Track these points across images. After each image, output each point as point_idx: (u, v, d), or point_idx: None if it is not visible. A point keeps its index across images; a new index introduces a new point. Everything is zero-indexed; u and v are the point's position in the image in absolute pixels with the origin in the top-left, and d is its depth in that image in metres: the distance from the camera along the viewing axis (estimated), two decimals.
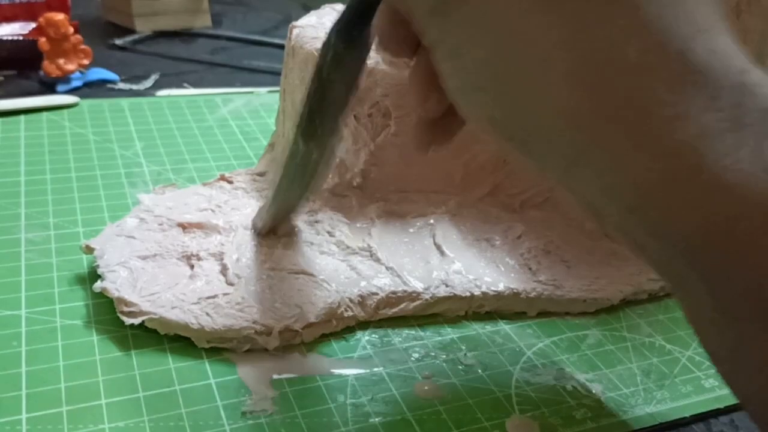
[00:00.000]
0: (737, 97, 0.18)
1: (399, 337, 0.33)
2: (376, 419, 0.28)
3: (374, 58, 0.37)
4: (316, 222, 0.38)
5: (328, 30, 0.27)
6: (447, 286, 0.35)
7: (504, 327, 0.35)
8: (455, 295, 0.34)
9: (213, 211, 0.38)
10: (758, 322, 0.18)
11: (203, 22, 0.82)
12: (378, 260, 0.36)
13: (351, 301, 0.33)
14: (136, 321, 0.31)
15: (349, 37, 0.27)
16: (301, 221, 0.38)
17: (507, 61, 0.20)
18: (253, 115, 0.57)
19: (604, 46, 0.19)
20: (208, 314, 0.31)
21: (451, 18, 0.21)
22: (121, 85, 0.62)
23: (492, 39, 0.20)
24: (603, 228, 0.23)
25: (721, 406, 0.31)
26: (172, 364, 0.30)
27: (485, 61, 0.21)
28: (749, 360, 0.19)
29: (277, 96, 0.47)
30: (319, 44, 0.39)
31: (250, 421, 0.28)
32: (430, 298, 0.34)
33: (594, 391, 0.31)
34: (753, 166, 0.17)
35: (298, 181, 0.33)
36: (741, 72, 0.18)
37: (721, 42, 0.19)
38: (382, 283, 0.34)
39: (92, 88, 0.61)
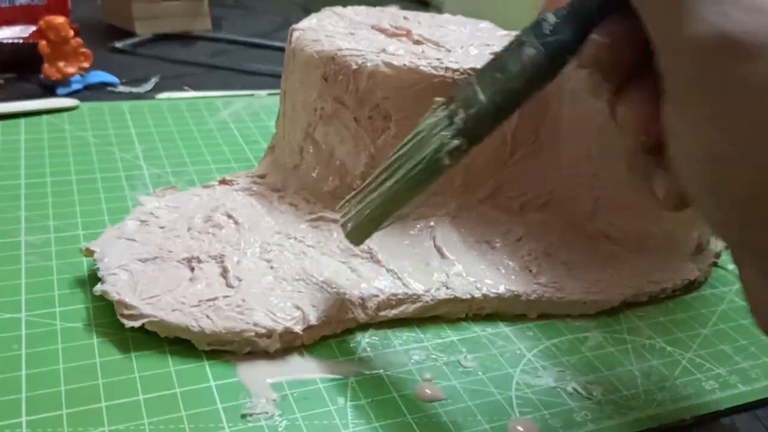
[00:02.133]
0: None
1: (399, 339, 0.33)
2: (377, 422, 0.28)
3: (374, 60, 0.37)
4: (317, 224, 0.38)
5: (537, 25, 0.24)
6: (447, 288, 0.35)
7: (504, 329, 0.35)
8: (455, 297, 0.34)
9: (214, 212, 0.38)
10: None
11: (203, 25, 0.82)
12: (378, 262, 0.36)
13: (351, 303, 0.33)
14: (137, 324, 0.31)
15: (555, 64, 0.23)
16: (301, 224, 0.38)
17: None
18: (253, 117, 0.57)
19: None
20: (208, 317, 0.31)
21: (722, 78, 0.18)
22: (122, 88, 0.62)
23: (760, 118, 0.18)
24: None
25: (722, 408, 0.31)
26: (172, 366, 0.30)
27: (738, 119, 0.18)
28: None
29: (277, 99, 0.47)
30: (318, 47, 0.39)
31: (251, 424, 0.28)
32: (431, 300, 0.34)
33: (594, 393, 0.31)
34: None
35: (414, 190, 0.29)
36: None
37: None
38: (383, 285, 0.34)
39: (92, 91, 0.61)
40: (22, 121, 0.53)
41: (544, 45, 0.24)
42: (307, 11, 0.51)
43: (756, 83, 0.17)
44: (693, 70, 0.19)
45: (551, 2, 0.24)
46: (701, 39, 0.18)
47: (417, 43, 0.41)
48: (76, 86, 0.60)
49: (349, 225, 0.31)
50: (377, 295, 0.34)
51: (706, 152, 0.19)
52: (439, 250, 0.37)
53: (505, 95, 0.25)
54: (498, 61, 0.25)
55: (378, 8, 0.48)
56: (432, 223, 0.39)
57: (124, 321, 0.31)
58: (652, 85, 0.21)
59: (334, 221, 0.38)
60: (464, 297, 0.34)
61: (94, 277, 0.34)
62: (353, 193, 0.32)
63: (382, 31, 0.43)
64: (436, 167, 0.27)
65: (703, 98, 0.19)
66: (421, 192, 0.29)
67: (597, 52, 0.23)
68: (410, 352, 0.32)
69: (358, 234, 0.31)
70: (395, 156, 0.29)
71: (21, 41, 0.63)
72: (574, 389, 0.31)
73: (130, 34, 0.77)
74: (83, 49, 0.60)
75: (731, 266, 0.41)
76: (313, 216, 0.38)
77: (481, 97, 0.25)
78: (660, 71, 0.20)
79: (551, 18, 0.24)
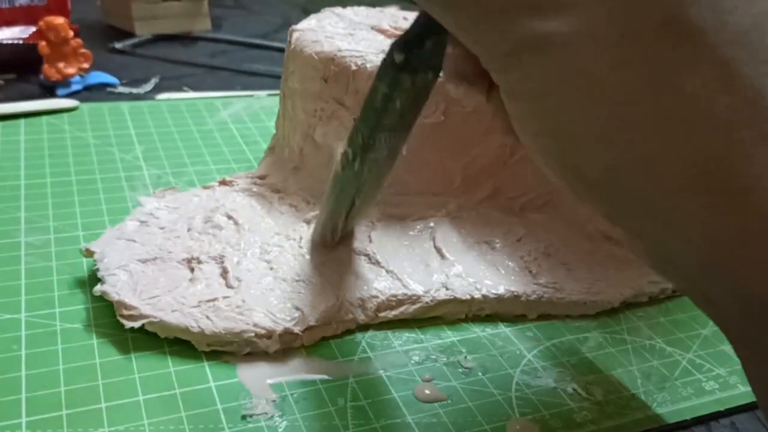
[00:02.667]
0: None
1: (399, 340, 0.33)
2: (377, 422, 0.28)
3: (374, 61, 0.37)
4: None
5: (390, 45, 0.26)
6: (447, 289, 0.35)
7: (504, 330, 0.35)
8: (455, 298, 0.34)
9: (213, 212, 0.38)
10: None
11: (203, 25, 0.82)
12: (378, 263, 0.36)
13: (351, 304, 0.33)
14: (136, 324, 0.31)
15: (408, 52, 0.25)
16: (301, 225, 0.38)
17: (576, 116, 0.19)
18: (253, 118, 0.57)
19: (690, 100, 0.18)
20: (208, 317, 0.31)
21: (519, 68, 0.20)
22: (121, 89, 0.62)
23: (568, 90, 0.19)
24: (666, 278, 0.22)
25: (722, 408, 0.31)
26: (172, 367, 0.30)
27: (555, 110, 0.20)
28: None
29: (277, 99, 0.47)
30: (318, 48, 0.39)
31: (251, 425, 0.28)
32: (431, 301, 0.34)
33: (594, 394, 0.31)
34: None
35: (345, 194, 0.32)
36: None
37: None
38: (382, 286, 0.34)
39: (92, 92, 0.61)
40: (22, 121, 0.53)
41: (390, 75, 0.26)
42: (306, 12, 0.51)
43: (544, 76, 0.19)
44: (499, 73, 0.21)
45: None
46: (501, 43, 0.20)
47: None
48: (75, 87, 0.60)
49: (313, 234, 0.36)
50: (377, 296, 0.34)
51: (526, 133, 0.22)
52: (438, 250, 0.37)
53: (365, 105, 0.28)
54: (372, 99, 0.27)
55: (377, 9, 0.48)
56: (432, 224, 0.39)
57: (124, 321, 0.31)
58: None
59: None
60: (464, 298, 0.34)
61: (93, 278, 0.34)
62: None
63: (381, 31, 0.43)
64: (338, 176, 0.31)
65: (510, 98, 0.21)
66: (343, 199, 0.33)
67: (456, 65, 0.24)
68: (410, 353, 0.32)
69: (323, 240, 0.36)
70: (331, 190, 0.33)
71: (21, 42, 0.63)
72: (574, 390, 0.31)
73: (130, 34, 0.77)
74: (83, 50, 0.60)
75: None
76: (312, 215, 0.38)
77: (358, 140, 0.29)
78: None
79: (399, 46, 0.25)
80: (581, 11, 0.18)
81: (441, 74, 0.26)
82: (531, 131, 0.21)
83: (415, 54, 0.25)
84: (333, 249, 0.36)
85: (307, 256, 0.35)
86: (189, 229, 0.37)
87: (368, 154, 0.29)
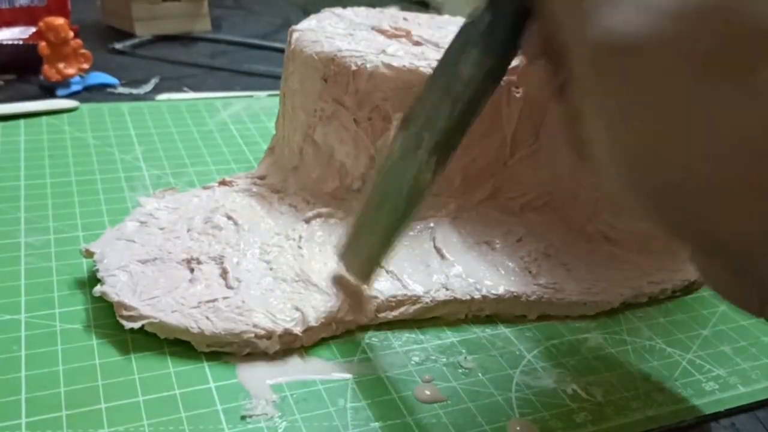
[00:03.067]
0: None
1: (399, 340, 0.33)
2: (377, 423, 0.28)
3: (374, 62, 0.37)
4: (317, 226, 0.38)
5: (462, 46, 0.24)
6: (447, 289, 0.35)
7: (504, 330, 0.35)
8: (455, 298, 0.34)
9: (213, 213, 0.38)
10: None
11: (203, 26, 0.82)
12: None
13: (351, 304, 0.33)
14: (136, 325, 0.31)
15: (500, 64, 0.24)
16: (301, 225, 0.38)
17: (667, 129, 0.19)
18: (253, 119, 0.57)
19: None
20: (208, 318, 0.31)
21: (612, 74, 0.19)
22: (121, 89, 0.62)
23: (655, 106, 0.18)
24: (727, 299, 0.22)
25: (722, 409, 0.31)
26: (171, 368, 0.30)
27: (637, 124, 0.19)
28: None
29: (277, 100, 0.47)
30: (318, 48, 0.39)
31: (250, 425, 0.28)
32: (430, 301, 0.34)
33: (594, 395, 0.31)
34: None
35: (404, 218, 0.29)
36: None
37: None
38: (382, 286, 0.34)
39: (92, 93, 0.61)
40: (22, 122, 0.53)
41: (486, 45, 0.23)
42: (306, 12, 0.51)
43: (637, 78, 0.18)
44: (583, 69, 0.20)
45: None
46: (597, 41, 0.19)
47: (417, 44, 0.41)
48: (75, 87, 0.60)
49: (349, 261, 0.32)
50: (377, 297, 0.34)
51: (606, 146, 0.20)
52: (438, 251, 0.37)
53: (464, 104, 0.25)
54: (446, 69, 0.25)
55: (378, 9, 0.48)
56: (432, 224, 0.39)
57: (124, 322, 0.31)
58: None
59: (334, 216, 0.38)
60: (464, 298, 0.34)
61: (93, 279, 0.34)
62: (346, 241, 0.32)
63: (381, 32, 0.43)
64: (418, 190, 0.27)
65: (597, 97, 0.20)
66: (411, 217, 0.29)
67: (536, 40, 0.23)
68: (410, 354, 0.32)
69: (365, 274, 0.32)
70: (376, 189, 0.29)
71: (21, 42, 0.63)
72: (574, 390, 0.31)
73: (130, 35, 0.77)
74: (83, 51, 0.60)
75: None
76: (313, 217, 0.38)
77: (443, 111, 0.25)
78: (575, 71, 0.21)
79: (486, 16, 0.23)
80: (682, 15, 0.17)
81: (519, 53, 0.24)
82: (607, 141, 0.20)
83: (507, 54, 0.24)
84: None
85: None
86: (189, 230, 0.37)
87: (440, 151, 0.26)
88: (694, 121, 0.18)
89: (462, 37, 0.24)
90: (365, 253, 0.31)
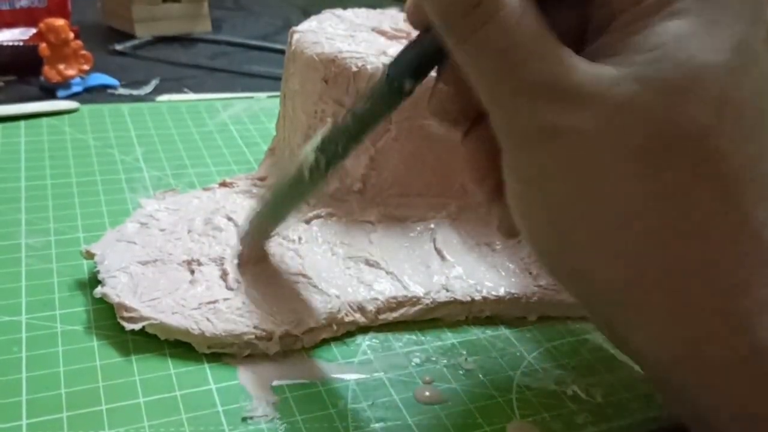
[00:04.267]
0: None
1: (399, 341, 0.33)
2: (377, 424, 0.28)
3: (374, 63, 0.37)
4: (316, 227, 0.38)
5: (388, 62, 0.25)
6: (447, 290, 0.35)
7: (505, 331, 0.35)
8: (456, 299, 0.34)
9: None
10: None
11: (203, 27, 0.82)
12: (378, 265, 0.36)
13: (351, 306, 0.33)
14: (137, 326, 0.31)
15: (418, 76, 0.24)
16: (301, 226, 0.38)
17: (575, 212, 0.20)
18: (253, 120, 0.57)
19: (693, 221, 0.19)
20: (208, 319, 0.31)
21: (530, 150, 0.20)
22: (122, 91, 0.62)
23: (565, 186, 0.19)
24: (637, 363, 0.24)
25: None
26: (172, 369, 0.30)
27: (551, 204, 0.20)
28: None
29: (277, 101, 0.47)
30: (319, 49, 0.39)
31: (251, 427, 0.28)
32: (431, 302, 0.34)
33: (595, 396, 0.31)
34: None
35: (301, 200, 0.32)
36: None
37: None
38: (383, 287, 0.34)
39: (92, 94, 0.61)
40: (22, 123, 0.53)
41: (387, 73, 0.25)
42: (307, 13, 0.51)
43: (552, 159, 0.19)
44: (511, 141, 0.20)
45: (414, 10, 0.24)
46: (522, 121, 0.20)
47: None
48: (76, 89, 0.60)
49: (243, 237, 0.35)
50: (377, 298, 0.34)
51: (516, 206, 0.21)
52: (439, 252, 0.37)
53: (354, 118, 0.27)
54: (365, 91, 0.27)
55: (378, 10, 0.48)
56: (432, 226, 0.39)
57: (124, 324, 0.31)
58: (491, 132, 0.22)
59: (334, 216, 0.38)
60: (464, 299, 0.34)
61: (94, 280, 0.34)
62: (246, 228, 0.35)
63: (382, 33, 0.43)
64: (300, 182, 0.30)
65: (512, 164, 0.21)
66: (294, 206, 0.33)
67: (442, 102, 0.24)
68: (410, 355, 0.32)
69: (249, 244, 0.35)
70: (279, 174, 0.33)
71: (21, 44, 0.63)
72: (575, 391, 0.31)
73: (130, 36, 0.77)
74: (83, 52, 0.60)
75: None
76: (313, 218, 0.38)
77: (339, 118, 0.28)
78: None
79: (410, 74, 0.25)
80: (603, 110, 0.18)
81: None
82: (521, 210, 0.22)
83: (420, 81, 0.24)
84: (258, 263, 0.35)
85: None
86: (189, 231, 0.37)
87: (339, 162, 0.29)
88: (610, 207, 0.19)
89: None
90: (256, 230, 0.34)
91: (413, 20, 0.24)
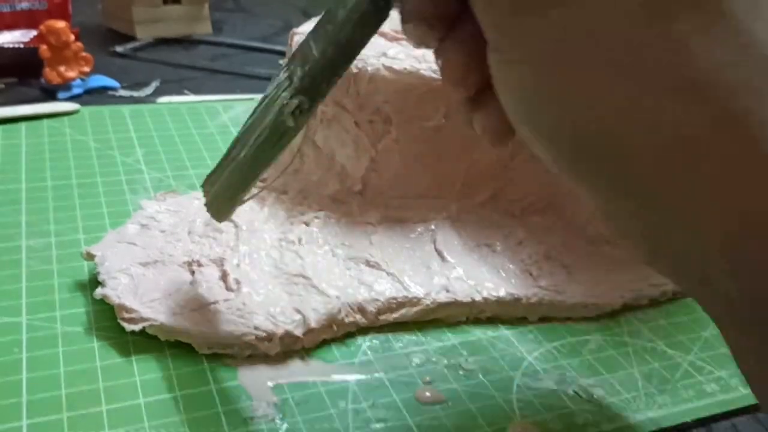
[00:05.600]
0: None
1: (400, 342, 0.33)
2: (378, 425, 0.28)
3: (374, 64, 0.37)
4: (317, 228, 0.38)
5: None
6: (448, 291, 0.35)
7: (505, 332, 0.35)
8: (456, 300, 0.34)
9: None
10: None
11: (204, 29, 0.82)
12: (379, 266, 0.36)
13: (351, 306, 0.33)
14: (137, 327, 0.31)
15: (377, 7, 0.23)
16: (301, 227, 0.38)
17: (589, 77, 0.19)
18: None
19: (713, 68, 0.18)
20: (208, 320, 0.31)
21: (526, 18, 0.19)
22: (122, 92, 0.62)
23: (572, 48, 0.19)
24: (658, 265, 0.22)
25: (723, 410, 0.31)
26: (173, 370, 0.30)
27: (560, 73, 0.19)
28: None
29: None
30: None
31: (251, 427, 0.28)
32: (431, 303, 0.34)
33: (595, 396, 0.31)
34: None
35: (266, 158, 0.28)
36: None
37: None
38: (383, 288, 0.34)
39: (93, 95, 0.61)
40: (23, 125, 0.53)
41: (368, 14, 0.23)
42: (307, 15, 0.51)
43: (556, 28, 0.19)
44: (502, 16, 0.20)
45: None
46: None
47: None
48: (76, 90, 0.60)
49: (210, 203, 0.31)
50: (377, 299, 0.34)
51: (524, 95, 0.20)
52: (439, 253, 0.37)
53: (336, 46, 0.24)
54: (328, 12, 0.24)
55: None
56: (433, 227, 0.39)
57: (125, 325, 0.31)
58: (471, 34, 0.21)
59: (334, 218, 0.38)
60: (465, 300, 0.34)
61: (94, 281, 0.34)
62: (212, 170, 0.31)
63: (382, 35, 0.43)
64: (281, 130, 0.27)
65: (513, 42, 0.20)
66: (273, 159, 0.28)
67: (419, 3, 0.23)
68: (411, 356, 0.32)
69: (219, 210, 0.31)
70: (246, 125, 0.28)
71: (22, 46, 0.63)
72: (575, 392, 0.31)
73: (131, 38, 0.77)
74: (84, 54, 0.60)
75: None
76: (314, 219, 0.38)
77: (315, 51, 0.24)
78: (478, 19, 0.20)
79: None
80: None
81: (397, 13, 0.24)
82: (524, 95, 0.20)
83: None
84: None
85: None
86: (189, 232, 0.37)
87: (322, 100, 0.26)
88: (622, 65, 0.18)
89: None
90: (223, 192, 0.31)
91: None
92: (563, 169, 0.21)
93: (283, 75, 0.26)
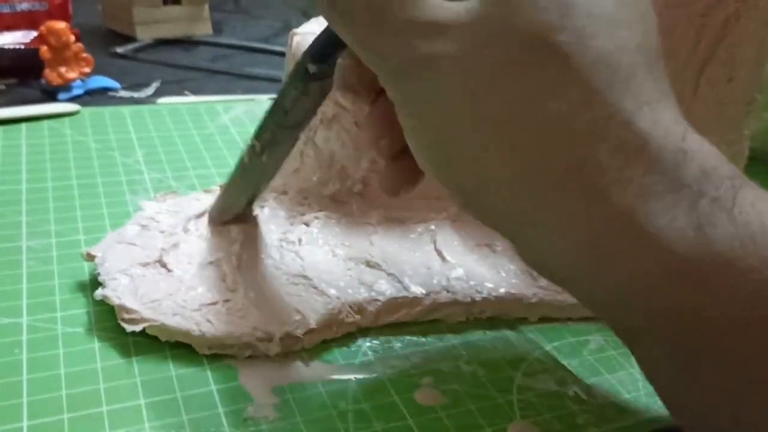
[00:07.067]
0: (677, 160, 0.20)
1: (400, 343, 0.33)
2: (378, 426, 0.28)
3: None
4: (317, 228, 0.38)
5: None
6: (448, 291, 0.35)
7: (505, 332, 0.35)
8: (456, 300, 0.34)
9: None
10: (691, 362, 0.21)
11: (204, 30, 0.82)
12: (379, 266, 0.36)
13: (352, 307, 0.33)
14: (138, 328, 0.31)
15: (321, 63, 0.27)
16: (301, 228, 0.38)
17: (459, 132, 0.21)
18: (254, 122, 0.57)
19: (555, 118, 0.20)
20: (209, 321, 0.31)
21: (410, 83, 0.22)
22: (122, 93, 0.62)
23: (446, 108, 0.21)
24: (550, 280, 0.25)
25: None
26: (173, 370, 0.30)
27: (439, 129, 0.22)
28: (685, 386, 0.22)
29: None
30: None
31: (252, 428, 0.28)
32: (431, 303, 0.34)
33: (596, 397, 0.31)
34: (686, 224, 0.20)
35: (251, 182, 0.35)
36: (682, 138, 0.20)
37: (665, 114, 0.21)
38: (383, 289, 0.34)
39: (93, 96, 0.61)
40: (23, 126, 0.53)
41: (303, 82, 0.28)
42: (307, 16, 0.51)
43: (427, 91, 0.22)
44: (389, 86, 0.23)
45: None
46: (391, 61, 0.22)
47: None
48: (77, 91, 0.60)
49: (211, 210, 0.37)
50: (378, 299, 0.34)
51: (416, 146, 0.23)
52: (439, 253, 0.37)
53: (274, 103, 0.31)
54: (282, 100, 0.30)
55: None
56: (433, 227, 0.39)
57: (125, 325, 0.31)
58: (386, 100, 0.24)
59: (334, 218, 0.38)
60: (465, 300, 0.34)
61: (94, 282, 0.34)
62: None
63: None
64: (246, 166, 0.34)
65: (399, 108, 0.23)
66: (247, 188, 0.36)
67: (345, 75, 0.27)
68: (411, 356, 0.32)
69: (214, 216, 0.37)
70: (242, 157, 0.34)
71: (22, 47, 0.63)
72: (576, 392, 0.31)
73: (131, 39, 0.77)
74: (84, 55, 0.60)
75: None
76: (314, 220, 0.38)
77: (267, 135, 0.31)
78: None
79: (314, 57, 0.27)
80: (460, 34, 0.21)
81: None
82: (418, 145, 0.23)
83: (327, 65, 0.27)
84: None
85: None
86: (188, 232, 0.37)
87: (274, 147, 0.32)
88: (486, 116, 0.21)
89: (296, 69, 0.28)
90: (223, 205, 0.37)
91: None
92: (462, 208, 0.25)
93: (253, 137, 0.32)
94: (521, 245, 0.24)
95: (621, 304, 0.22)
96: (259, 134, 0.32)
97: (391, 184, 0.28)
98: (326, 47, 0.27)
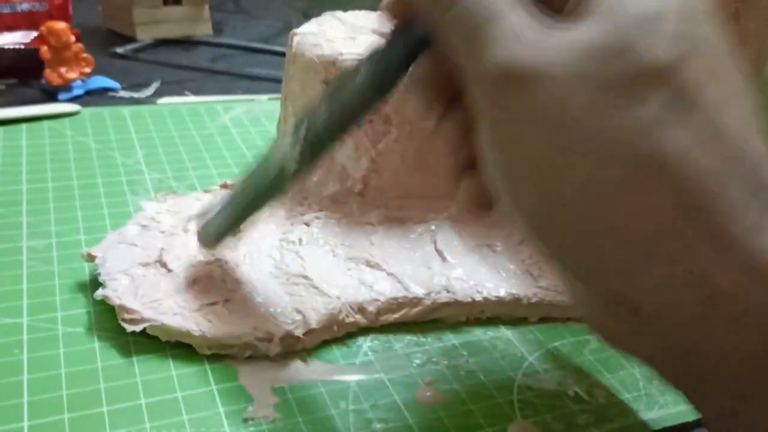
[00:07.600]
0: None
1: (401, 343, 0.33)
2: (378, 426, 0.28)
3: None
4: (317, 228, 0.38)
5: (361, 60, 0.26)
6: (448, 291, 0.35)
7: (506, 333, 0.35)
8: (457, 300, 0.34)
9: None
10: None
11: (204, 30, 0.82)
12: (379, 266, 0.36)
13: (352, 307, 0.33)
14: (138, 328, 0.31)
15: (385, 86, 0.26)
16: (302, 228, 0.38)
17: (564, 158, 0.19)
18: (254, 122, 0.57)
19: (681, 152, 0.18)
20: (209, 321, 0.31)
21: (513, 101, 0.20)
22: (123, 93, 0.62)
23: (553, 131, 0.19)
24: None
25: None
26: (173, 370, 0.30)
27: (539, 153, 0.20)
28: None
29: (278, 103, 0.47)
30: (319, 51, 0.39)
31: (252, 428, 0.28)
32: (432, 303, 0.34)
33: (596, 397, 0.31)
34: None
35: (264, 200, 0.30)
36: None
37: None
38: (384, 289, 0.34)
39: (93, 97, 0.61)
40: (24, 126, 0.53)
41: (375, 65, 0.26)
42: (307, 16, 0.51)
43: (526, 109, 0.20)
44: (484, 99, 0.21)
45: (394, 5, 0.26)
46: (491, 71, 0.20)
47: None
48: (77, 92, 0.60)
49: (205, 232, 0.33)
50: (378, 299, 0.34)
51: (496, 171, 0.21)
52: (440, 253, 0.37)
53: (343, 109, 0.26)
54: (342, 78, 0.27)
55: (379, 13, 0.48)
56: (433, 227, 0.39)
57: (126, 325, 0.31)
58: (466, 111, 0.23)
59: (332, 219, 0.38)
60: (465, 300, 0.34)
61: (95, 282, 0.34)
62: (212, 203, 0.34)
63: (383, 35, 0.43)
64: (281, 176, 0.28)
65: (488, 124, 0.21)
66: (271, 201, 0.30)
67: (427, 71, 0.25)
68: (411, 356, 0.32)
69: (212, 241, 0.33)
70: (251, 167, 0.31)
71: (22, 47, 0.63)
72: (576, 392, 0.31)
73: (131, 39, 0.77)
74: (84, 55, 0.60)
75: None
76: (314, 220, 0.38)
77: (323, 110, 0.27)
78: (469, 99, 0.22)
79: (381, 43, 0.26)
80: (570, 52, 0.19)
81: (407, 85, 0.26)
82: (505, 171, 0.21)
83: (389, 85, 0.26)
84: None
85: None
86: (188, 232, 0.37)
87: (325, 155, 0.28)
88: (585, 141, 0.19)
89: (366, 55, 0.26)
90: (218, 224, 0.32)
91: (393, 10, 0.26)
92: (534, 241, 0.22)
93: (292, 126, 0.28)
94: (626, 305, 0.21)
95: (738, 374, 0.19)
96: (310, 139, 0.27)
97: (479, 199, 0.25)
98: (402, 63, 0.25)
